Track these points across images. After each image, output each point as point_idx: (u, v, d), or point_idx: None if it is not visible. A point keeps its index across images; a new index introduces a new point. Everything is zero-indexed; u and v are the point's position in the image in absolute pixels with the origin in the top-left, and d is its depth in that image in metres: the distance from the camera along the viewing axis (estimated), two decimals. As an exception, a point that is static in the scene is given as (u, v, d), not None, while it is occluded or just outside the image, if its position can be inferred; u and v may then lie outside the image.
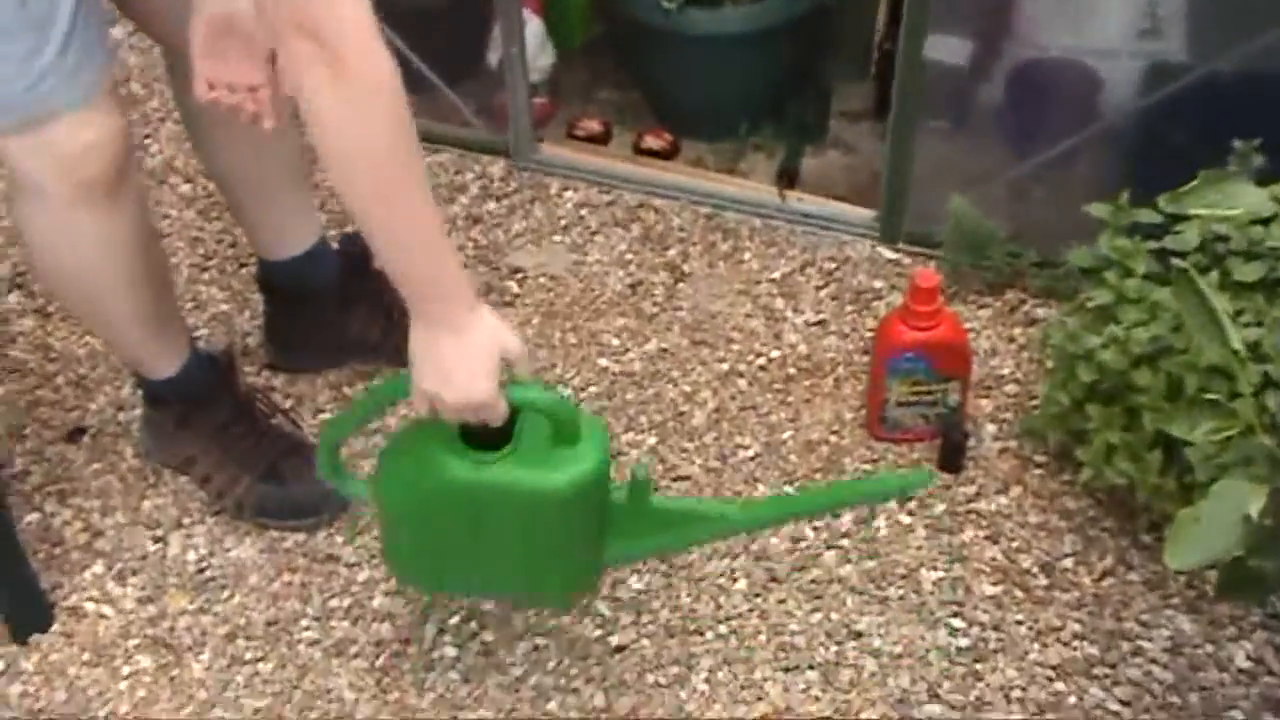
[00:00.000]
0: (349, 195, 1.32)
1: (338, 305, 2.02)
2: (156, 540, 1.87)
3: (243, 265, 2.23)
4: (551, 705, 1.67)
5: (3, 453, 1.97)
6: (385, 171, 1.30)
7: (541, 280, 2.20)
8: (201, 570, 1.84)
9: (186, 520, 1.89)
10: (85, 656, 1.75)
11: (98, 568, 1.84)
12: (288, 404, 2.01)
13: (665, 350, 2.09)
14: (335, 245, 2.02)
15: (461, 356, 1.34)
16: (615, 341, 2.11)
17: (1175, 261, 1.49)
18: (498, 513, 1.42)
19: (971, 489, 1.88)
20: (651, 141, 2.41)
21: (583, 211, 2.32)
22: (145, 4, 1.71)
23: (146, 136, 2.46)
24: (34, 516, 1.90)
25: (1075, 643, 1.71)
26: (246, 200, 1.93)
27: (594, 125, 2.44)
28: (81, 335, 2.13)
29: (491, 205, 2.33)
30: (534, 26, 2.39)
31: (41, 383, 2.08)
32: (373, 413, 1.62)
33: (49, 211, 1.60)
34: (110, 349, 1.82)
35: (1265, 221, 1.62)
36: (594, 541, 1.51)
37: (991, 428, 1.95)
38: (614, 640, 1.73)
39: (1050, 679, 1.68)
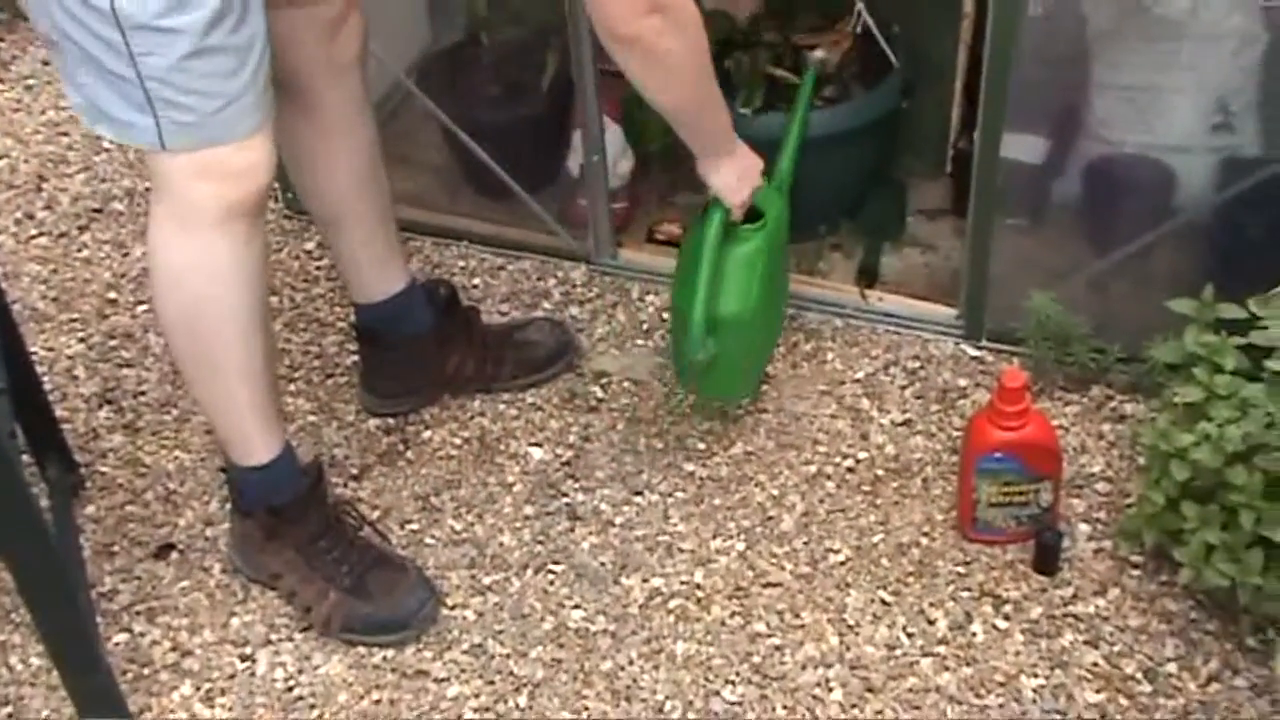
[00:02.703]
0: (678, 101, 1.82)
1: (434, 344, 2.14)
2: (245, 659, 1.89)
3: (329, 376, 2.27)
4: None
5: (93, 573, 2.00)
6: (705, 75, 1.79)
7: (625, 385, 2.22)
8: (290, 689, 1.85)
9: (274, 637, 1.91)
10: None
11: (185, 688, 1.86)
12: (374, 515, 2.03)
13: (751, 453, 2.09)
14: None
15: (747, 168, 1.96)
16: (701, 445, 2.11)
17: (1268, 363, 1.47)
18: (769, 254, 2.01)
19: (1068, 591, 1.85)
20: (731, 244, 2.43)
21: (664, 315, 2.33)
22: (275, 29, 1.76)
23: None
24: (122, 636, 1.92)
25: (1182, 750, 1.67)
26: (348, 235, 2.03)
27: (674, 229, 2.46)
28: (171, 449, 2.17)
29: (574, 310, 2.36)
30: (614, 133, 2.43)
31: (131, 499, 2.11)
32: (715, 246, 1.94)
33: (195, 233, 1.67)
34: (212, 418, 1.85)
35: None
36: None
37: (1085, 528, 1.92)
38: (708, 752, 1.72)
39: (1157, 788, 1.64)
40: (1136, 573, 1.86)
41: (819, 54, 2.22)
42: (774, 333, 2.14)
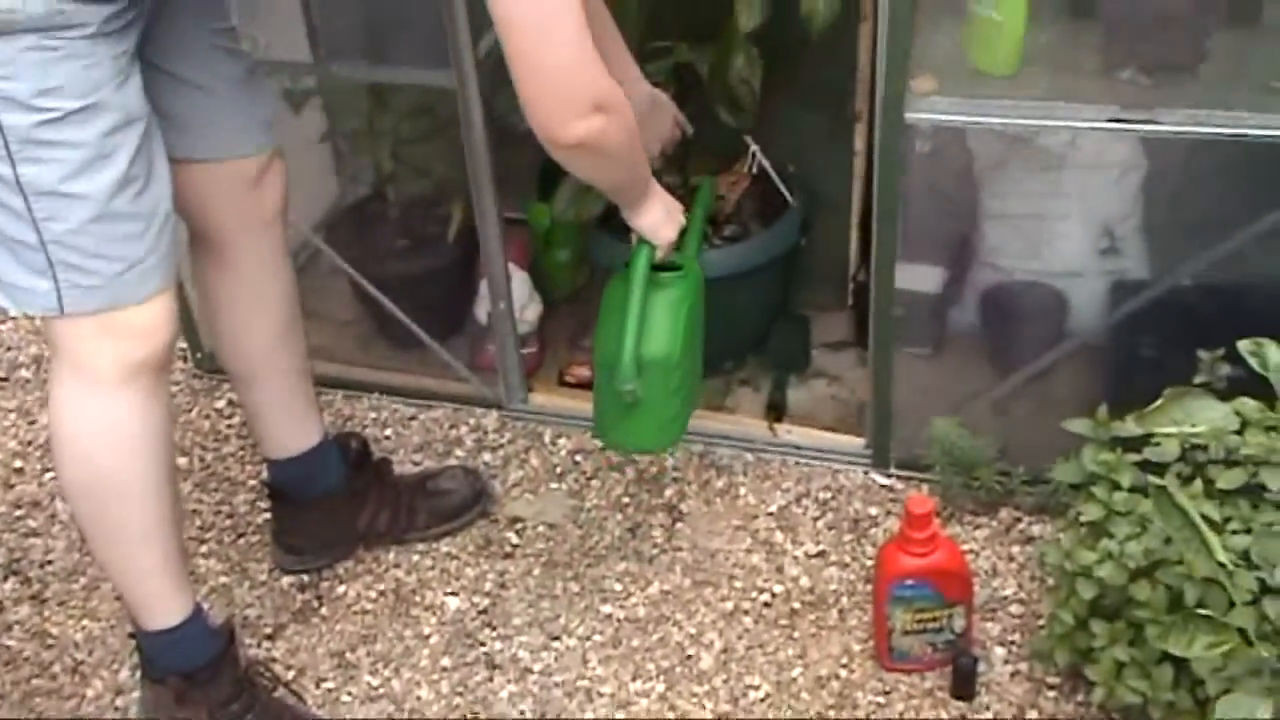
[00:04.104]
0: (618, 180, 1.83)
1: (347, 499, 2.13)
2: (159, 828, 1.84)
3: (240, 535, 2.24)
4: None
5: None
6: (639, 149, 1.80)
7: (540, 529, 2.21)
8: None
9: (190, 805, 1.86)
10: None
11: None
12: (289, 675, 1.99)
13: (668, 592, 2.09)
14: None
15: (669, 207, 1.94)
16: (618, 586, 2.10)
17: (1151, 479, 1.50)
18: (691, 304, 2.00)
19: (987, 716, 1.85)
20: (641, 384, 2.45)
21: (577, 457, 2.34)
22: (183, 179, 1.77)
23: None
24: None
25: None
26: (266, 390, 2.02)
27: (584, 371, 2.47)
28: (79, 618, 2.13)
29: (487, 457, 2.36)
30: (520, 279, 2.46)
31: (38, 671, 2.06)
32: (644, 286, 1.95)
33: (97, 395, 1.65)
34: (118, 582, 1.81)
35: (1240, 430, 1.64)
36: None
37: (1001, 651, 1.93)
38: None
39: None
40: (1053, 694, 1.86)
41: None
42: (696, 390, 2.12)
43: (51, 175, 1.52)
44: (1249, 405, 1.67)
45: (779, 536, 2.15)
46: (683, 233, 1.99)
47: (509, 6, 1.55)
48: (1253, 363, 1.66)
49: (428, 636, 2.05)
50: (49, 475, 2.39)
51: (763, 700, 1.91)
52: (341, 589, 2.14)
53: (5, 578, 2.22)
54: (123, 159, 1.55)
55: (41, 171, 1.51)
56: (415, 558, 2.17)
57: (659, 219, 1.92)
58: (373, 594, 2.13)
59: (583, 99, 1.62)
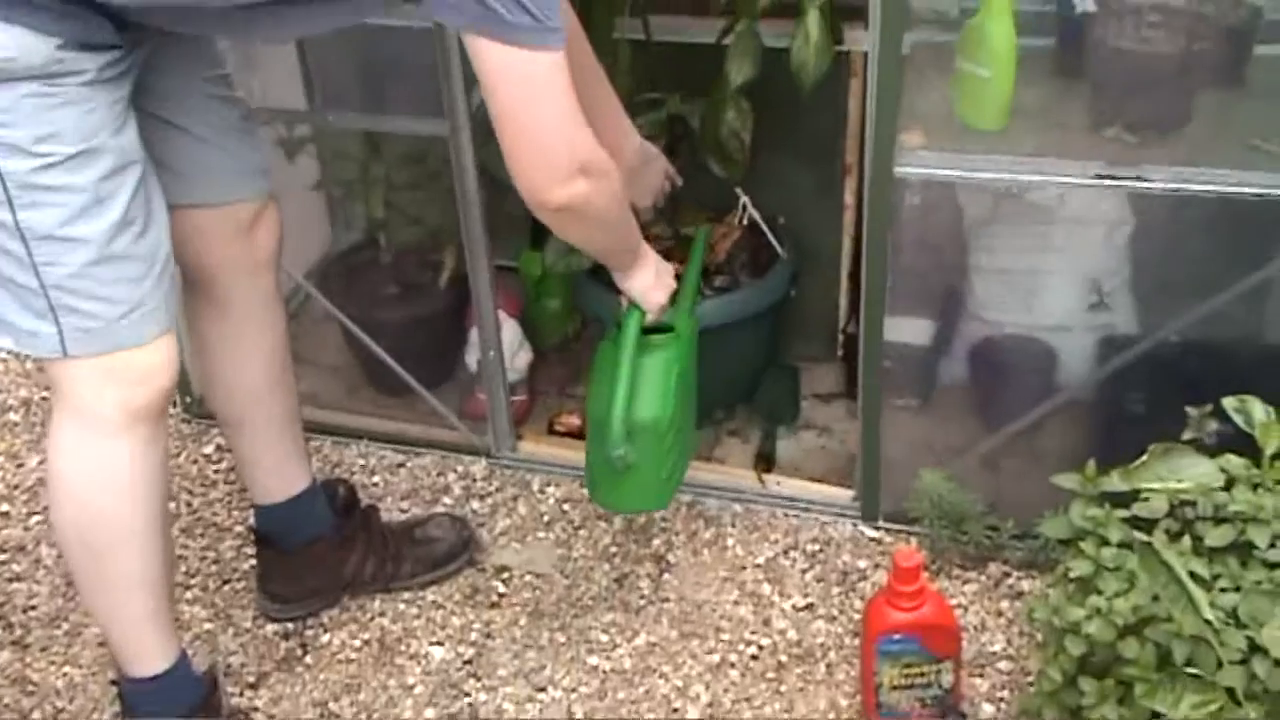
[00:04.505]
0: (606, 243, 1.85)
1: (333, 546, 2.12)
2: None
3: (225, 582, 2.23)
4: None
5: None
6: (626, 212, 1.80)
7: (527, 578, 2.20)
8: None
9: None
10: None
11: None
12: (273, 724, 1.98)
13: (655, 644, 2.08)
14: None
15: (660, 270, 1.94)
16: (604, 638, 2.09)
17: (1138, 535, 1.50)
18: (682, 365, 2.02)
19: (973, 772, 1.84)
20: (630, 433, 2.45)
21: (565, 506, 2.34)
22: (178, 224, 1.77)
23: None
24: None
25: None
26: (255, 435, 2.02)
27: (573, 420, 2.48)
28: (61, 665, 2.11)
29: (475, 505, 2.35)
30: (510, 328, 2.46)
31: (18, 718, 2.04)
32: (634, 352, 1.95)
33: (96, 439, 1.65)
34: (105, 626, 1.80)
35: (1227, 486, 1.64)
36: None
37: (989, 708, 1.92)
38: None
39: None
40: (1041, 751, 1.85)
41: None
42: (689, 448, 2.13)
43: (51, 220, 1.53)
44: (1235, 462, 1.67)
45: (767, 588, 2.15)
46: (678, 276, 2.00)
47: (495, 66, 1.54)
48: (1238, 420, 1.66)
49: (412, 687, 2.04)
50: (35, 519, 2.37)
51: (749, 754, 1.90)
52: (326, 637, 2.12)
53: (-13, 623, 2.21)
54: (121, 202, 1.56)
55: (41, 216, 1.52)
56: (401, 606, 2.16)
57: (649, 283, 1.93)
58: (357, 643, 2.11)
59: (568, 163, 1.61)
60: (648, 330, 1.98)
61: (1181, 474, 1.61)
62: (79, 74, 1.51)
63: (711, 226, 2.31)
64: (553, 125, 1.58)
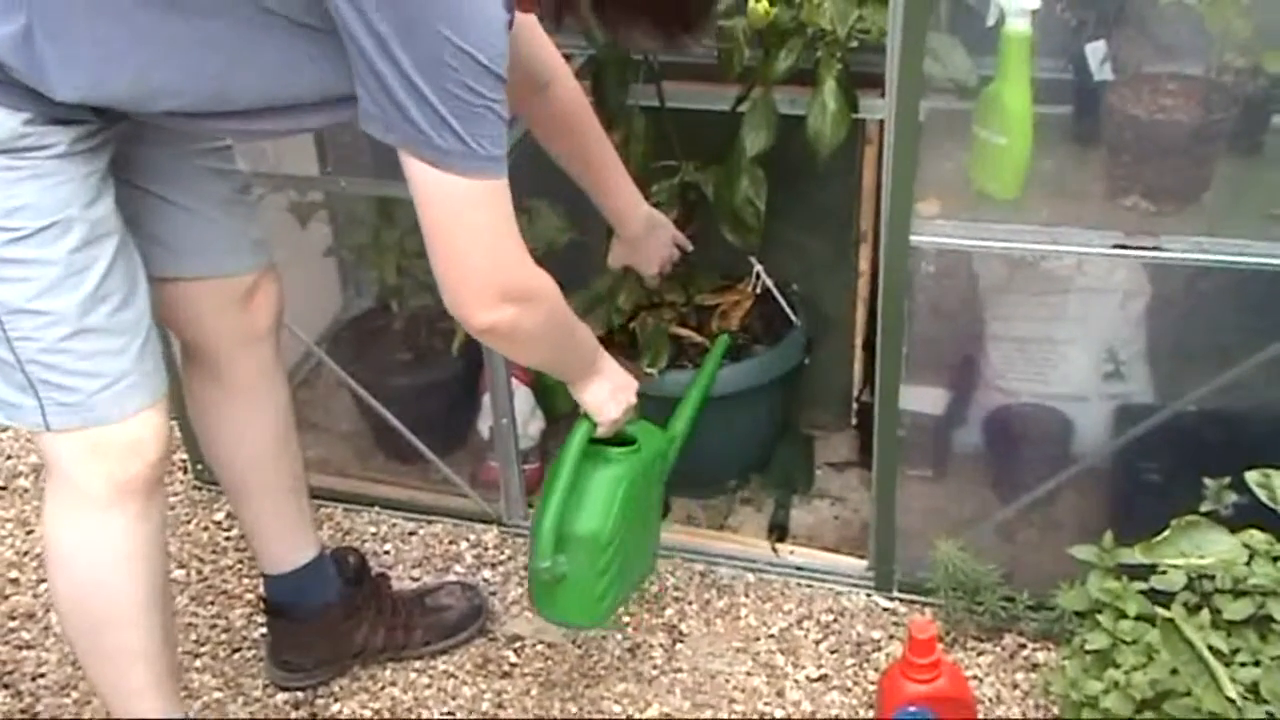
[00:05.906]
0: (544, 361, 1.83)
1: (343, 615, 2.10)
2: None
3: (236, 650, 2.21)
4: None
5: None
6: (565, 331, 1.74)
7: (539, 648, 2.18)
8: None
9: None
10: None
11: None
12: (280, 795, 1.96)
13: (667, 715, 2.05)
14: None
15: (619, 385, 1.91)
16: (616, 708, 2.07)
17: (1159, 611, 1.48)
18: (635, 482, 1.96)
19: None
20: (642, 502, 2.43)
21: (577, 576, 2.32)
22: (172, 295, 1.77)
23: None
24: None
25: None
26: (257, 504, 2.00)
27: (585, 488, 2.47)
28: (71, 733, 2.10)
29: (486, 573, 2.34)
30: (523, 395, 2.46)
31: (27, 788, 2.03)
32: (576, 463, 1.91)
33: (87, 513, 1.63)
34: (106, 700, 1.77)
35: (1248, 561, 1.62)
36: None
37: (1005, 781, 1.90)
38: None
39: None
40: (1059, 828, 1.82)
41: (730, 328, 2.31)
42: (636, 569, 2.06)
43: (22, 294, 1.51)
44: (1258, 537, 1.66)
45: (780, 659, 2.12)
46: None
47: (421, 185, 1.47)
48: (1261, 494, 1.64)
49: (422, 757, 2.02)
50: (44, 586, 2.36)
51: (762, 830, 1.87)
52: (336, 707, 2.10)
53: (-5, 690, 2.19)
54: (95, 275, 1.54)
55: (11, 290, 1.51)
56: (412, 675, 2.14)
57: (602, 398, 1.88)
58: (368, 712, 2.09)
59: (493, 290, 1.55)
60: (610, 441, 1.93)
61: (1204, 549, 1.59)
62: (48, 148, 1.49)
63: (731, 337, 2.28)
64: (478, 250, 1.52)
